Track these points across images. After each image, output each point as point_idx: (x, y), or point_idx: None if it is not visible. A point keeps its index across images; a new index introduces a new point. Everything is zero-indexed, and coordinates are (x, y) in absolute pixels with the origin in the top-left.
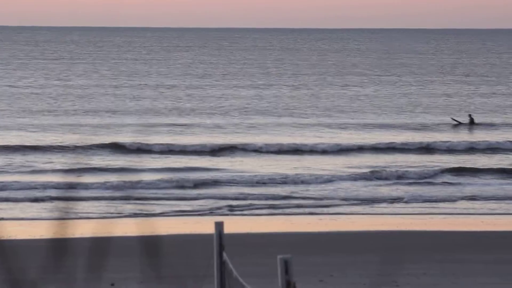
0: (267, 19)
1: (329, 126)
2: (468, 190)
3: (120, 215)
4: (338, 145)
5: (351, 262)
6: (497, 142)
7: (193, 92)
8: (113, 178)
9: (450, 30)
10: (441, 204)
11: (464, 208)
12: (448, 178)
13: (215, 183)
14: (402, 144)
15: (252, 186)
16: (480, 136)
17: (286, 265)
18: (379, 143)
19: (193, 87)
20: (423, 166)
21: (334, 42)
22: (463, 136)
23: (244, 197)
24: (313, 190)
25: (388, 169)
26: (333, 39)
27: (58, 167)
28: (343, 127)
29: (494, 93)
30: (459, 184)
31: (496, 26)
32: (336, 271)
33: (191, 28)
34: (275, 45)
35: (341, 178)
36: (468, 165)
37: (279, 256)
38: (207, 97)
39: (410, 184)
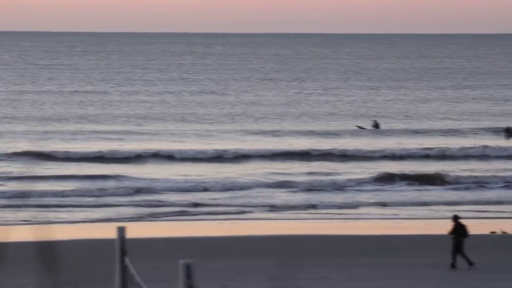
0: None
1: (235, 132)
2: (380, 197)
3: (18, 222)
4: (239, 151)
5: (254, 266)
6: (403, 149)
7: (94, 98)
8: (11, 185)
9: (355, 35)
10: (351, 211)
11: (370, 214)
12: (361, 185)
13: (117, 189)
14: (313, 150)
15: (160, 193)
16: (386, 142)
17: (188, 269)
18: (290, 150)
19: (95, 93)
20: (337, 173)
21: (236, 47)
22: (371, 143)
23: (148, 204)
24: (222, 197)
25: (300, 177)
26: (235, 43)
27: None
28: (249, 133)
29: (393, 99)
30: (371, 190)
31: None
32: (238, 275)
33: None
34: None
35: (257, 185)
36: (359, 171)
37: (180, 261)
38: (110, 103)
39: (320, 191)
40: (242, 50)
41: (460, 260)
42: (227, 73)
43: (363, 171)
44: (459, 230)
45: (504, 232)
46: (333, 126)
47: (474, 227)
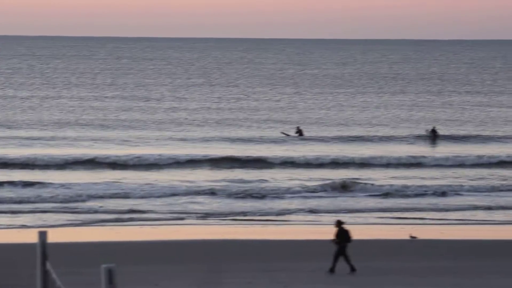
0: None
1: (159, 138)
2: (311, 204)
3: None
4: (173, 157)
5: (178, 270)
6: (328, 156)
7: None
8: None
9: (285, 40)
10: (276, 217)
11: (297, 220)
12: (288, 192)
13: (38, 197)
14: (241, 156)
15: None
16: (311, 149)
17: (110, 274)
18: (216, 156)
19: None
20: (263, 180)
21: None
22: (296, 149)
23: (73, 210)
24: (159, 204)
25: (226, 184)
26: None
27: None
28: (174, 139)
29: (317, 105)
30: (298, 197)
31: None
32: (162, 279)
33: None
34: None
35: (184, 192)
36: (285, 178)
37: (103, 266)
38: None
39: (246, 197)
40: (164, 54)
41: (342, 265)
42: (152, 78)
43: (290, 178)
44: (342, 235)
45: (413, 237)
46: (257, 132)
47: (393, 232)
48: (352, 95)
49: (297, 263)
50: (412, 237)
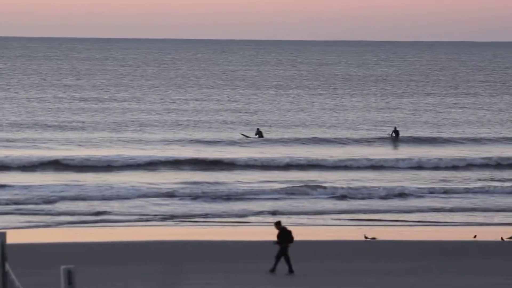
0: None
1: (119, 140)
2: (271, 205)
3: None
4: (133, 159)
5: (137, 272)
6: (289, 157)
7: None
8: None
9: (249, 41)
10: (236, 219)
11: (257, 222)
12: (250, 193)
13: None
14: (204, 158)
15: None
16: (270, 151)
17: (69, 275)
18: (177, 158)
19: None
20: (225, 183)
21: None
22: (258, 151)
23: (32, 211)
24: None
25: (187, 186)
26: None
27: None
28: (133, 141)
29: (277, 106)
30: (264, 199)
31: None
32: (119, 280)
33: None
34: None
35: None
36: (245, 179)
37: (62, 267)
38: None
39: (206, 199)
40: (117, 55)
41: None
42: (105, 79)
43: (250, 180)
44: (284, 236)
45: (367, 238)
46: (217, 134)
47: (352, 234)
48: (319, 96)
49: (256, 264)
50: (366, 237)
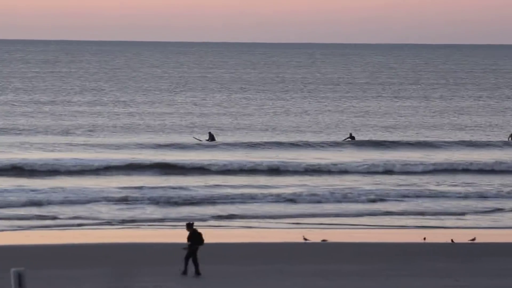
0: None
1: (68, 144)
2: (223, 209)
3: None
4: (82, 163)
5: (87, 274)
6: (252, 162)
7: None
8: None
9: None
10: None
11: (208, 225)
12: (205, 197)
13: None
14: (160, 162)
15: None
16: (223, 156)
17: (19, 277)
18: (129, 162)
19: None
20: (180, 187)
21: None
22: (210, 155)
23: None
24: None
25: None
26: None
27: None
28: (87, 145)
29: (228, 111)
30: (215, 203)
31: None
32: (70, 284)
33: None
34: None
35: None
36: (195, 184)
37: (12, 269)
38: None
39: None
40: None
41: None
42: (57, 82)
43: (205, 184)
44: (195, 238)
45: (306, 239)
46: (168, 137)
47: (297, 236)
48: (268, 99)
49: (206, 266)
50: (305, 239)
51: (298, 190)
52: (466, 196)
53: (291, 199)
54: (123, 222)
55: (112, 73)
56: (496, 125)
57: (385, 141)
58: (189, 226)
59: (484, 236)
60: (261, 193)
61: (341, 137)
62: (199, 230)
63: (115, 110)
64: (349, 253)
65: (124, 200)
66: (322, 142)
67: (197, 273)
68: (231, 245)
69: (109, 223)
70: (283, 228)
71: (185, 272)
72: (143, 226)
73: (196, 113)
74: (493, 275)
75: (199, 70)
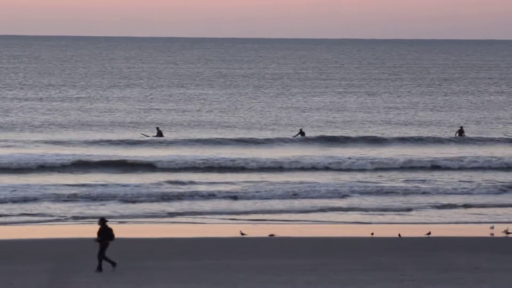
0: None
1: (15, 140)
2: (170, 206)
3: None
4: (23, 160)
5: (32, 270)
6: (201, 158)
7: None
8: None
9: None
10: (144, 219)
11: (155, 221)
12: (151, 195)
13: None
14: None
15: None
16: (171, 152)
17: None
18: (76, 159)
19: None
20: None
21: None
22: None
23: None
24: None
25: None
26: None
27: None
28: (33, 142)
29: (177, 107)
30: (162, 199)
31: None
32: (16, 279)
33: None
34: None
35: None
36: (141, 180)
37: None
38: None
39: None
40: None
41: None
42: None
43: (146, 180)
44: (105, 233)
45: (243, 234)
46: (116, 134)
47: (249, 231)
48: (221, 95)
49: (150, 262)
50: (242, 234)
51: (247, 186)
52: (414, 192)
53: (236, 196)
54: (72, 218)
55: (61, 66)
56: (441, 121)
57: (335, 137)
58: (101, 221)
59: (433, 231)
60: (210, 190)
61: (292, 133)
62: (110, 226)
63: (64, 105)
64: (296, 248)
65: (73, 196)
66: (272, 139)
67: (99, 269)
68: (179, 240)
69: (59, 219)
70: (232, 224)
71: (100, 268)
72: (91, 223)
73: (143, 109)
74: (440, 269)
75: (147, 65)
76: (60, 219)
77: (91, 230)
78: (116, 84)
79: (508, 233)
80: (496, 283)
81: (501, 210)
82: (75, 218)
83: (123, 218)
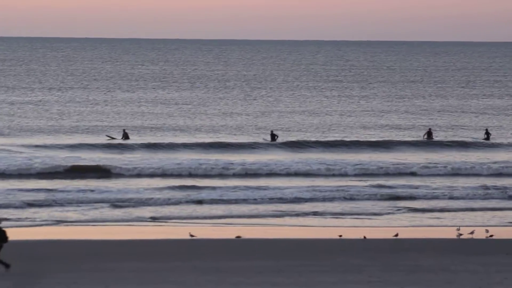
0: None
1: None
2: (151, 210)
3: None
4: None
5: None
6: (154, 162)
7: None
8: None
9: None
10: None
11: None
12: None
13: None
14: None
15: None
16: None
17: None
18: (45, 164)
19: None
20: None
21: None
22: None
23: None
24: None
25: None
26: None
27: None
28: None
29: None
30: (144, 204)
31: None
32: None
33: None
34: None
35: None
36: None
37: None
38: None
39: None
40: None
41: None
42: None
43: (111, 185)
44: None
45: (192, 236)
46: (82, 138)
47: (219, 232)
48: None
49: (121, 263)
50: (192, 235)
51: (214, 191)
52: (387, 199)
53: (202, 200)
54: (43, 221)
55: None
56: (412, 125)
57: (305, 141)
58: None
59: (401, 233)
60: (179, 195)
61: (263, 136)
62: (3, 228)
63: (28, 108)
64: (263, 250)
65: (41, 201)
66: (243, 143)
67: (6, 266)
68: (146, 242)
69: (32, 221)
70: (198, 226)
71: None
72: (56, 224)
73: (110, 112)
74: (408, 270)
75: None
76: (33, 220)
77: (61, 232)
78: (76, 86)
79: (460, 234)
80: (462, 284)
81: (472, 214)
82: (49, 220)
83: (94, 222)
